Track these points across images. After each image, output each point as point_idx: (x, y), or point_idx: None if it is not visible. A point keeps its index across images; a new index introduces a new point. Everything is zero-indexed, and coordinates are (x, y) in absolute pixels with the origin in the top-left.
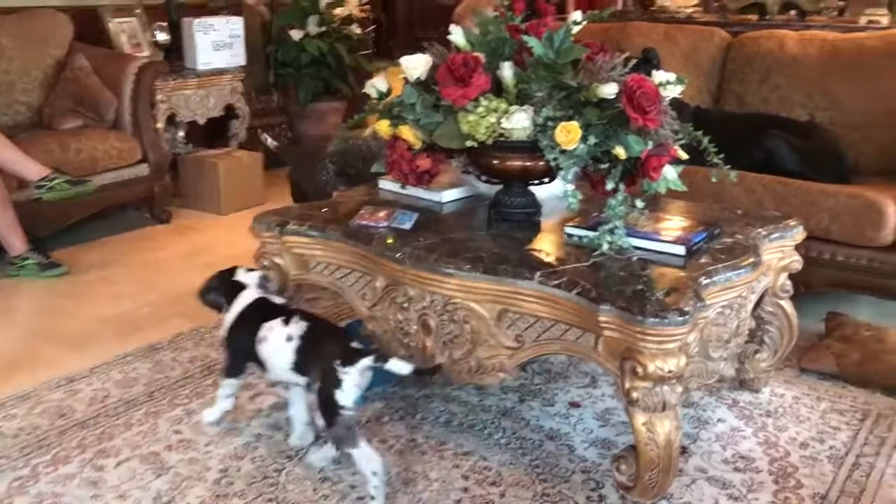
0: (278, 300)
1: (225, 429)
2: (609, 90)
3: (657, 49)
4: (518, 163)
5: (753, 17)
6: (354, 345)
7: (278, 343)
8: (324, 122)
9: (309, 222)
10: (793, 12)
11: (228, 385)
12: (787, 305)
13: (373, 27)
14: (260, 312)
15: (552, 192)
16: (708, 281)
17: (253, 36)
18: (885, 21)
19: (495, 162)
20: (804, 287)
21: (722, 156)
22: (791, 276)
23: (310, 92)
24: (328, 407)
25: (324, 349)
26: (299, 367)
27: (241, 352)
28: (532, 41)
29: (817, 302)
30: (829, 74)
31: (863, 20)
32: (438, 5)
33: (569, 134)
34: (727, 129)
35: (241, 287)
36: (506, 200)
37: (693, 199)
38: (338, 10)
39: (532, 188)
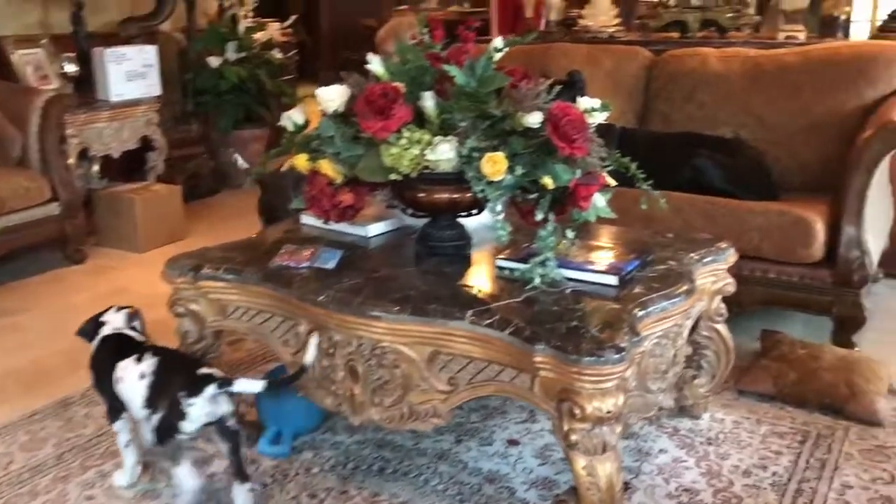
0: (136, 336)
1: (141, 491)
2: (534, 119)
3: (581, 71)
4: (445, 195)
5: (675, 35)
6: (202, 372)
7: (133, 382)
8: (247, 150)
9: (225, 265)
10: (713, 29)
11: (118, 431)
12: (723, 329)
13: (295, 51)
14: (114, 351)
15: (483, 222)
16: (643, 312)
17: (169, 64)
18: (801, 37)
19: (421, 195)
20: (738, 306)
21: (650, 181)
22: (724, 296)
23: (231, 119)
24: (165, 430)
25: (170, 382)
26: (151, 403)
27: (108, 393)
28: (453, 70)
29: (752, 320)
30: (752, 91)
31: (781, 36)
32: (364, 26)
33: (495, 165)
34: (654, 149)
35: (101, 326)
36: (434, 234)
37: (624, 221)
38: (258, 35)
39: (461, 219)
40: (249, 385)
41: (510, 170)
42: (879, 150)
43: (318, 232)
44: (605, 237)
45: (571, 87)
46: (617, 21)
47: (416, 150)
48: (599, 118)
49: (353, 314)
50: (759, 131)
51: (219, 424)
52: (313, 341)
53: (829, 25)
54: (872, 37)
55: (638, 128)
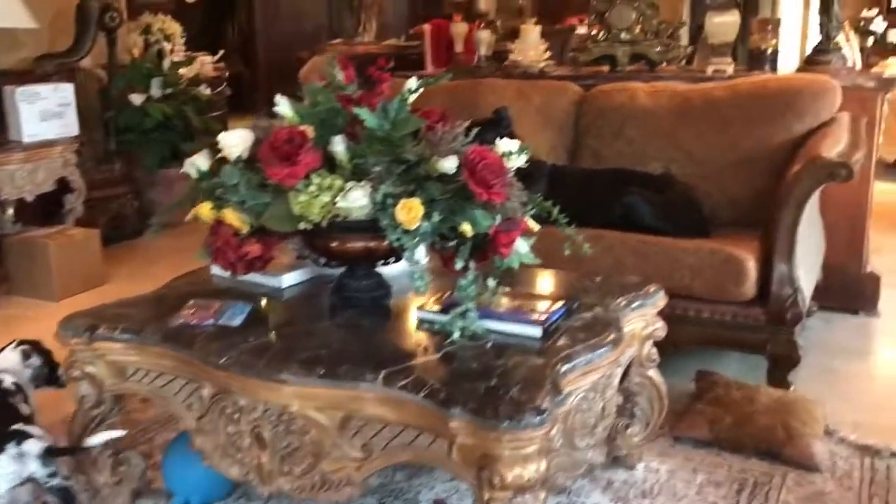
0: None
1: None
2: (449, 164)
3: (508, 108)
4: (359, 244)
5: (605, 69)
6: (14, 428)
7: None
8: (173, 190)
9: (122, 324)
10: (643, 62)
11: None
12: (655, 374)
13: (225, 85)
14: None
15: (405, 269)
16: (567, 366)
17: (90, 102)
18: (730, 70)
19: (334, 244)
20: (672, 346)
21: (582, 219)
22: (656, 340)
23: (156, 158)
24: None
25: None
26: None
27: None
28: (364, 113)
29: (687, 360)
30: (681, 126)
31: (709, 70)
32: (298, 59)
33: (410, 212)
34: (584, 186)
35: None
36: (350, 284)
37: (553, 262)
38: (185, 71)
39: (381, 267)
40: (35, 447)
41: (427, 216)
42: (808, 185)
43: (230, 283)
44: (530, 284)
45: (497, 124)
46: (547, 56)
47: (326, 198)
48: (518, 161)
49: (258, 377)
50: (688, 166)
51: (40, 484)
52: (106, 434)
53: (757, 59)
54: (799, 70)
55: (568, 165)
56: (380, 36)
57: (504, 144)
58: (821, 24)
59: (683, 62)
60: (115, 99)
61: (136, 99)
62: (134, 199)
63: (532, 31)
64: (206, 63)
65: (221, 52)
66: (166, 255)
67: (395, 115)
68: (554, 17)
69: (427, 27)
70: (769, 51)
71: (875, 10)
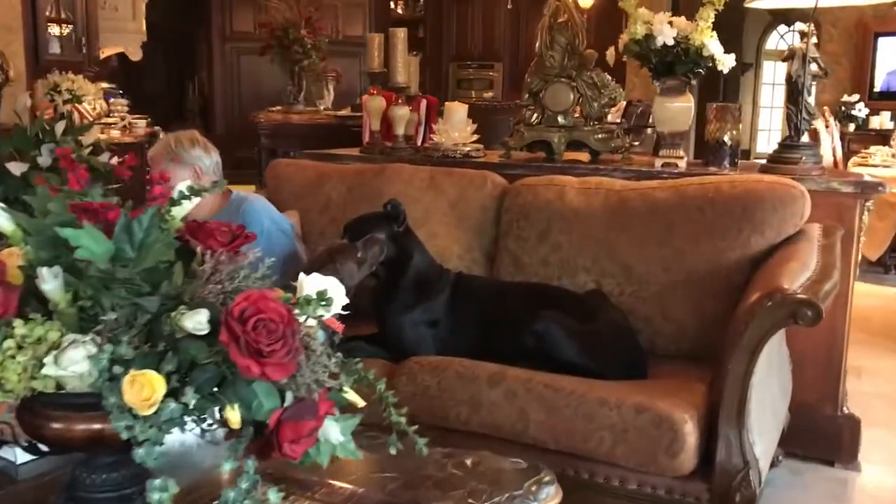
0: None
1: None
2: (195, 321)
3: (419, 200)
4: (82, 426)
5: (541, 155)
6: None
7: None
8: None
9: None
10: (585, 150)
11: None
12: None
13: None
14: None
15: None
16: None
17: None
18: (681, 164)
19: (54, 425)
20: None
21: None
22: None
23: None
24: None
25: None
26: None
27: None
28: (82, 235)
29: None
30: (618, 232)
31: (658, 163)
32: (253, 122)
33: (142, 390)
34: (494, 304)
35: None
36: (85, 480)
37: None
38: (85, 137)
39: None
40: None
41: (176, 394)
42: (763, 328)
43: None
44: (351, 479)
45: (389, 221)
46: (474, 139)
47: (24, 358)
48: (329, 312)
49: None
50: (625, 283)
51: None
52: None
53: (715, 152)
54: (762, 169)
55: (477, 276)
56: (337, 104)
57: (312, 283)
58: (787, 117)
59: (630, 153)
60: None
61: (16, 168)
62: None
63: (457, 110)
64: (134, 126)
65: (140, 117)
66: None
67: (144, 238)
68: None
69: (366, 98)
70: (730, 144)
71: (856, 96)
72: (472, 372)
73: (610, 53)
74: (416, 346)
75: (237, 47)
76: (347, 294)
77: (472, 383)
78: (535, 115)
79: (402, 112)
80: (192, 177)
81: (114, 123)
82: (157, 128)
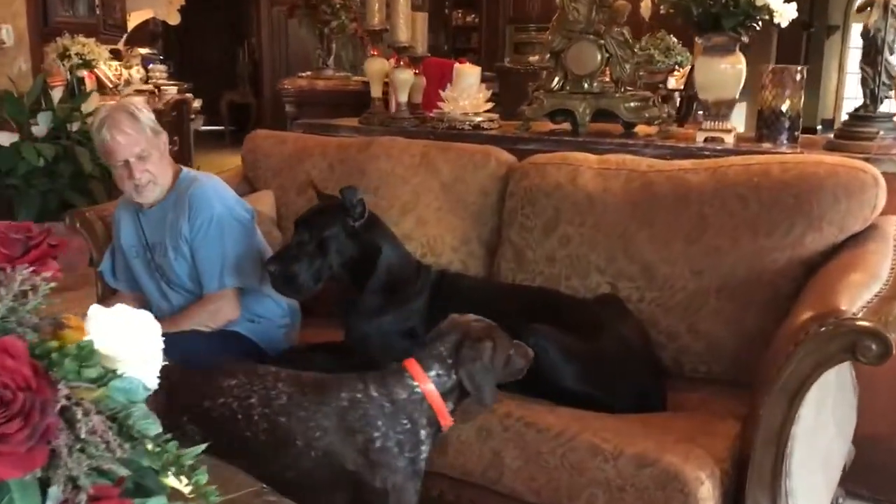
0: None
1: None
2: None
3: (357, 188)
4: None
5: (565, 126)
6: None
7: None
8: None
9: None
10: (617, 121)
11: None
12: None
13: (194, 117)
14: None
15: None
16: None
17: None
18: (728, 140)
19: None
20: None
21: None
22: None
23: (33, 210)
24: None
25: None
26: None
27: None
28: None
29: None
30: (639, 224)
31: (700, 138)
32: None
33: None
34: (483, 310)
35: None
36: None
37: None
38: (86, 106)
39: None
40: None
41: None
42: (810, 364)
43: None
44: None
45: (344, 211)
46: (488, 107)
47: None
48: (135, 371)
49: None
50: (646, 287)
51: None
52: None
53: (770, 125)
54: (827, 147)
55: (465, 275)
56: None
57: (104, 323)
58: (863, 81)
59: (671, 124)
60: None
61: (4, 138)
62: None
63: (468, 73)
64: (165, 92)
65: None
66: None
67: None
68: None
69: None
70: (790, 114)
71: None
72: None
73: (645, 5)
74: (385, 360)
75: (284, 11)
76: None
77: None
78: (557, 79)
79: (404, 76)
80: (164, 143)
81: (145, 90)
82: (188, 94)
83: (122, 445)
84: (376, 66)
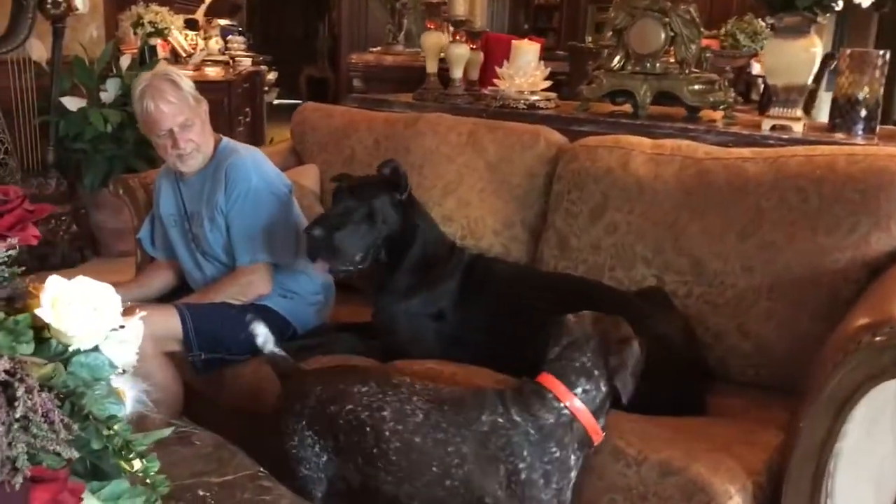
0: None
1: None
2: None
3: (397, 162)
4: None
5: (625, 108)
6: None
7: None
8: (124, 213)
9: None
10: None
11: None
12: None
13: (268, 89)
14: None
15: None
16: None
17: (27, 104)
18: (797, 128)
19: None
20: None
21: None
22: None
23: (99, 175)
24: None
25: None
26: None
27: None
28: None
29: None
30: (690, 215)
31: (766, 125)
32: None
33: None
34: (515, 298)
35: None
36: None
37: None
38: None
39: None
40: None
41: None
42: (860, 376)
43: None
44: None
45: (389, 188)
46: (545, 85)
47: None
48: (88, 344)
49: None
50: (694, 282)
51: None
52: None
53: (845, 114)
54: None
55: (500, 260)
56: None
57: (56, 288)
58: None
59: (731, 110)
60: (56, 103)
61: (72, 103)
62: (72, 222)
63: (525, 50)
64: (239, 63)
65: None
66: None
67: None
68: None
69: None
70: (868, 102)
71: None
72: None
73: None
74: (411, 343)
75: None
76: None
77: None
78: (618, 58)
79: (459, 51)
80: (205, 111)
81: (221, 61)
82: (262, 67)
83: (70, 426)
84: (432, 40)
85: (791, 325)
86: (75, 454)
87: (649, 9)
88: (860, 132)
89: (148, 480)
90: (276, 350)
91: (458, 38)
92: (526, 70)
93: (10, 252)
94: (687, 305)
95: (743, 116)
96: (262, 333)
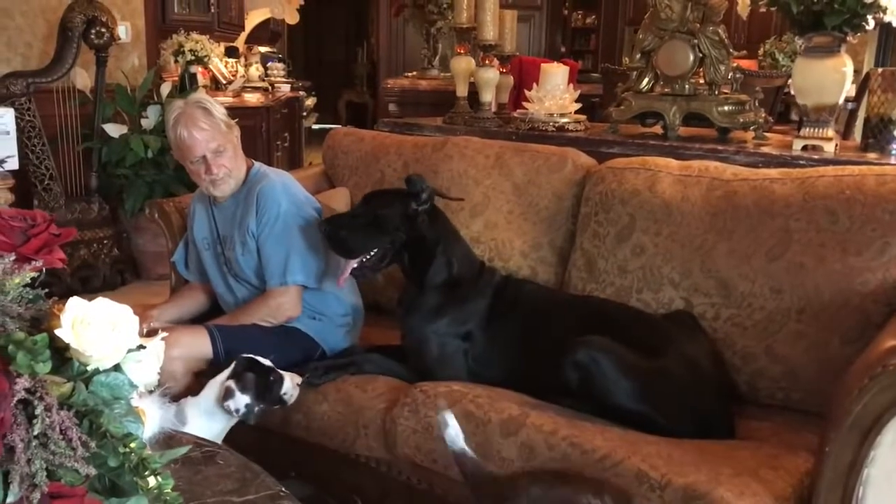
0: None
1: None
2: None
3: (422, 177)
4: None
5: (656, 130)
6: None
7: None
8: (164, 238)
9: None
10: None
11: None
12: None
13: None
14: None
15: None
16: None
17: (70, 130)
18: (829, 148)
19: None
20: None
21: None
22: None
23: (139, 199)
24: None
25: None
26: None
27: None
28: None
29: None
30: (718, 237)
31: (797, 145)
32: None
33: None
34: (542, 319)
35: None
36: None
37: None
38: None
39: None
40: None
41: None
42: (886, 400)
43: None
44: None
45: (412, 198)
46: (575, 108)
47: None
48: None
49: None
50: (722, 304)
51: None
52: None
53: (879, 133)
54: None
55: (529, 281)
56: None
57: (77, 310)
58: None
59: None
60: (99, 129)
61: (114, 130)
62: (114, 246)
63: (554, 73)
64: (278, 90)
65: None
66: None
67: None
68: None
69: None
70: None
71: None
72: (485, 412)
73: (743, 3)
74: (440, 364)
75: (393, 10)
76: None
77: (482, 428)
78: (647, 79)
79: (488, 75)
80: (236, 137)
81: (260, 87)
82: (301, 93)
83: (87, 443)
84: (461, 64)
85: (821, 348)
86: (93, 471)
87: (677, 30)
88: (894, 152)
89: (163, 498)
90: (467, 449)
91: (487, 62)
92: (555, 93)
93: (34, 274)
94: (715, 328)
95: (775, 137)
96: (453, 426)
